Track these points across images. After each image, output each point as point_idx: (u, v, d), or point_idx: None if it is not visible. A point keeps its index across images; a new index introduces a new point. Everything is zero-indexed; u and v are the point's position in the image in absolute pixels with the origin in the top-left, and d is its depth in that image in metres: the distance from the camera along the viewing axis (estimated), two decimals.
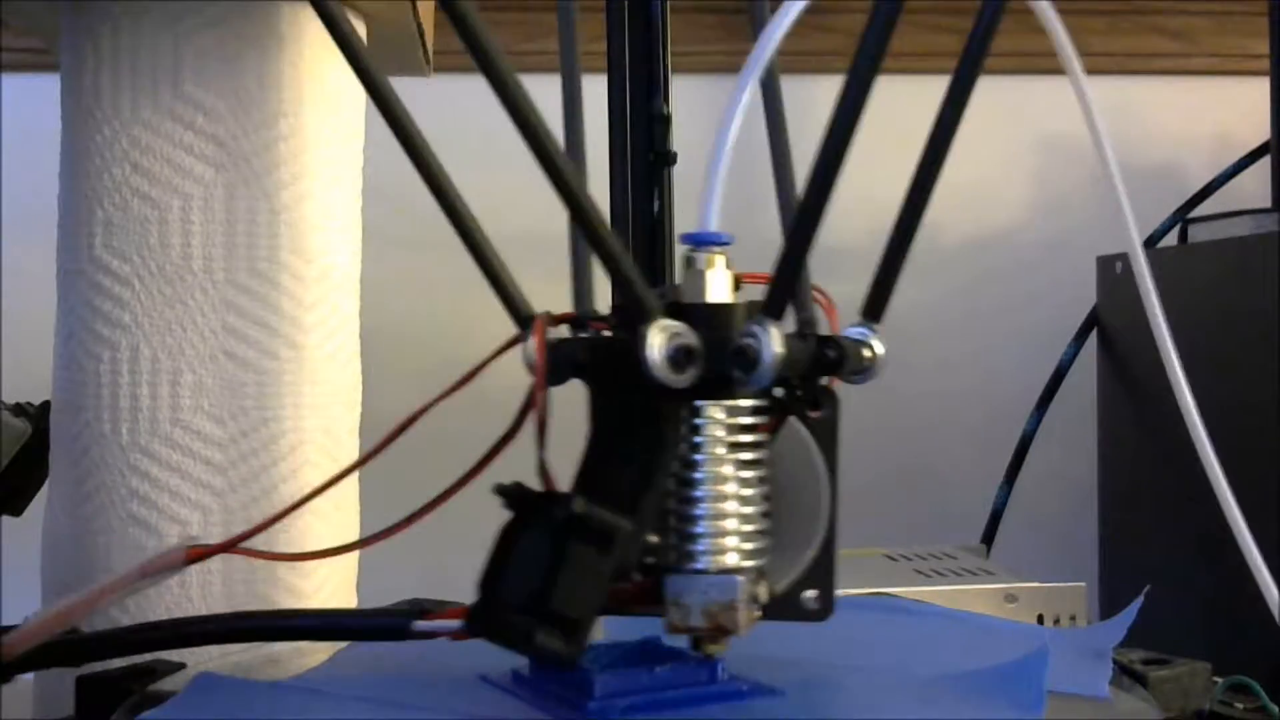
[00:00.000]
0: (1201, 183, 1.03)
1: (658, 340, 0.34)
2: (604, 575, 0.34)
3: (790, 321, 0.38)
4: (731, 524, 0.36)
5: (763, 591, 0.37)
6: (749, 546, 0.37)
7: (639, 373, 0.34)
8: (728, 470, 0.37)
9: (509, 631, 0.34)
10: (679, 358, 0.35)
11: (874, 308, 0.41)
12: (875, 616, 0.50)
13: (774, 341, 0.35)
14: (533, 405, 0.36)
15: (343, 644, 0.47)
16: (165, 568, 0.41)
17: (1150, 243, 1.01)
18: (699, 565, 0.36)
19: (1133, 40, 1.14)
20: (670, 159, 0.57)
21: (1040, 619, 0.73)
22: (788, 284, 0.36)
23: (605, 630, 0.40)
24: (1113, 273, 0.98)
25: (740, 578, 0.36)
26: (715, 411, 0.36)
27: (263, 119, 0.54)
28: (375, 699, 0.39)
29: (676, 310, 0.36)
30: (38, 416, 0.61)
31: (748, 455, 0.37)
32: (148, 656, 0.43)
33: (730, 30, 1.08)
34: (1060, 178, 1.14)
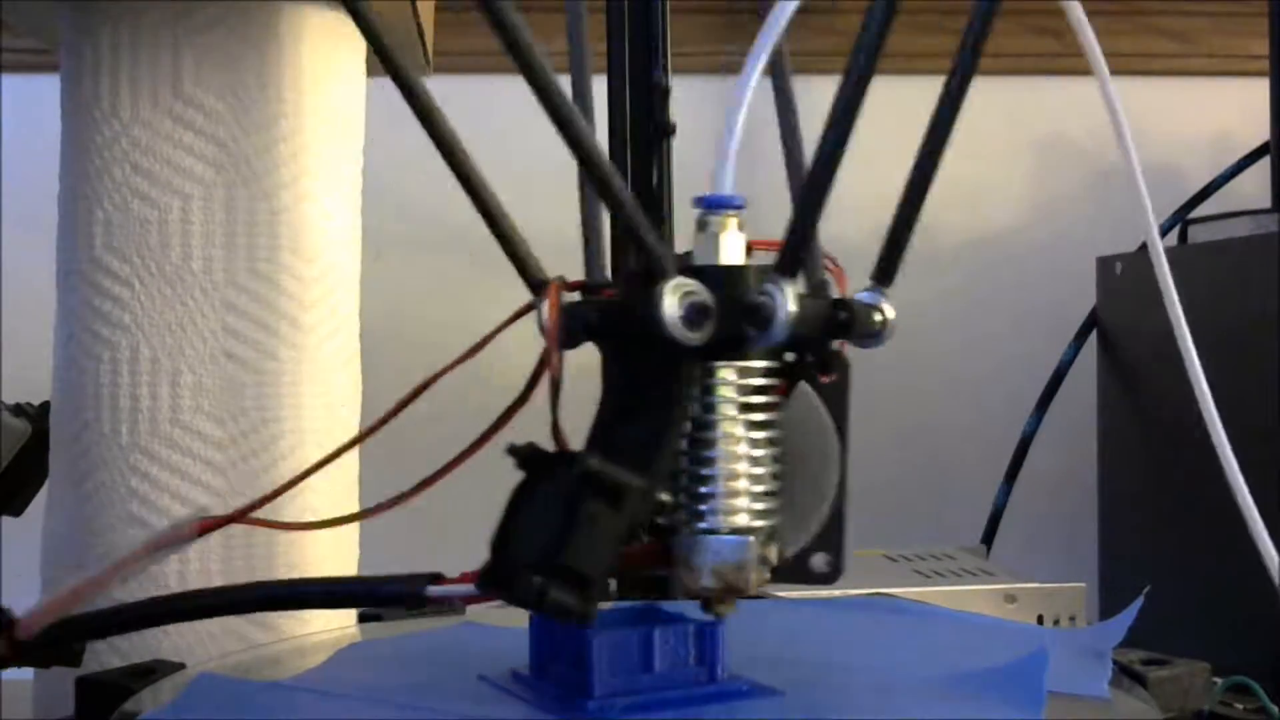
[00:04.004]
0: (1201, 183, 1.03)
1: (672, 298, 0.35)
2: (616, 532, 0.34)
3: (802, 284, 0.38)
4: (743, 485, 0.37)
5: (773, 553, 0.37)
6: (759, 507, 0.37)
7: (652, 332, 0.35)
8: (739, 431, 0.37)
9: (522, 589, 0.34)
10: (693, 315, 0.35)
11: (885, 272, 0.41)
12: (875, 616, 0.50)
13: (788, 299, 0.35)
14: (545, 368, 0.36)
15: (342, 643, 0.47)
16: (175, 541, 0.41)
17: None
18: (710, 525, 0.36)
19: (1133, 40, 1.14)
20: (670, 130, 0.57)
21: (1040, 619, 0.73)
22: (800, 244, 0.36)
23: None
24: (1113, 273, 0.98)
25: (751, 538, 0.36)
26: (728, 373, 0.37)
27: (263, 119, 0.54)
28: (375, 699, 0.39)
29: (690, 271, 0.36)
30: (38, 416, 0.61)
31: (759, 417, 0.37)
32: (148, 643, 0.43)
33: (730, 30, 1.08)
34: (1060, 178, 1.14)
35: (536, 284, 0.39)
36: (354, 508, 0.59)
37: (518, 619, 0.41)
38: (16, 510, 0.63)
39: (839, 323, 0.38)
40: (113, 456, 0.53)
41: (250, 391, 0.54)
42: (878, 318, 0.40)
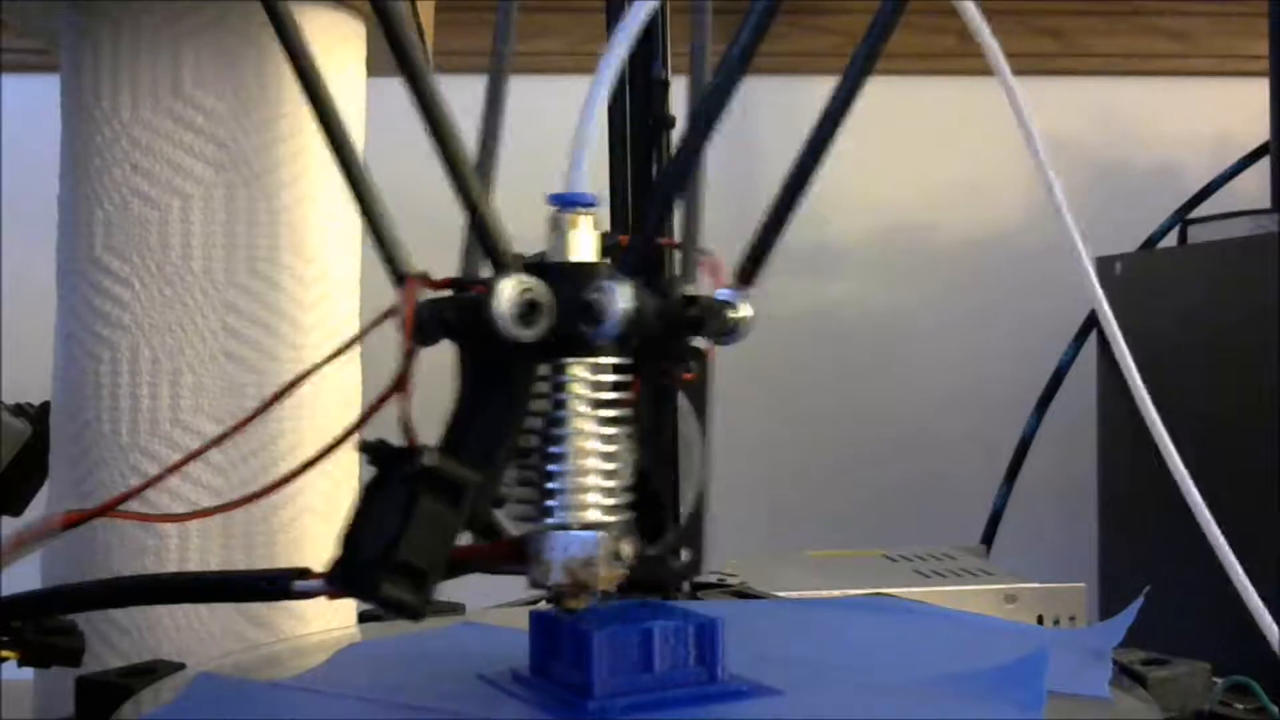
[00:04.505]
0: (1201, 183, 1.03)
1: (507, 294, 0.36)
2: (453, 527, 0.35)
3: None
4: (592, 480, 0.37)
5: (627, 549, 0.37)
6: (610, 503, 0.37)
7: (491, 329, 0.36)
8: (589, 427, 0.37)
9: (360, 584, 0.35)
10: (525, 311, 0.36)
11: (746, 273, 0.42)
12: (875, 616, 0.50)
13: (621, 297, 0.36)
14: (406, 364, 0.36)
15: (342, 643, 0.47)
16: (42, 534, 0.41)
17: (1150, 243, 1.01)
18: (560, 520, 0.37)
19: (1133, 40, 1.14)
20: (669, 123, 0.57)
21: (1040, 619, 0.73)
22: (644, 243, 0.37)
23: None
24: (1112, 273, 0.98)
25: (601, 534, 0.37)
26: (578, 369, 0.37)
27: (263, 119, 0.54)
28: (375, 699, 0.39)
29: (534, 269, 0.37)
30: (38, 416, 0.61)
31: (611, 413, 0.38)
32: (148, 643, 0.43)
33: (730, 30, 1.08)
34: (1060, 178, 1.14)
35: (400, 278, 0.39)
36: None
37: (518, 619, 0.41)
38: (16, 510, 0.63)
39: (687, 319, 0.39)
40: (113, 456, 0.53)
41: (250, 391, 0.54)
42: (732, 315, 0.41)
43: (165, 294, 0.53)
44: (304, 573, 0.38)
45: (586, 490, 0.37)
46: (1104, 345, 1.01)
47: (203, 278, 0.53)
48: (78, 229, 0.54)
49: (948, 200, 1.10)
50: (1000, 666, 0.39)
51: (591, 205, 0.38)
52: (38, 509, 0.58)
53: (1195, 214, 0.99)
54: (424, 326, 0.37)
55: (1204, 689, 0.44)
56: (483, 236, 0.37)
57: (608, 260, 0.38)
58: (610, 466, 0.38)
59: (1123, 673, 0.42)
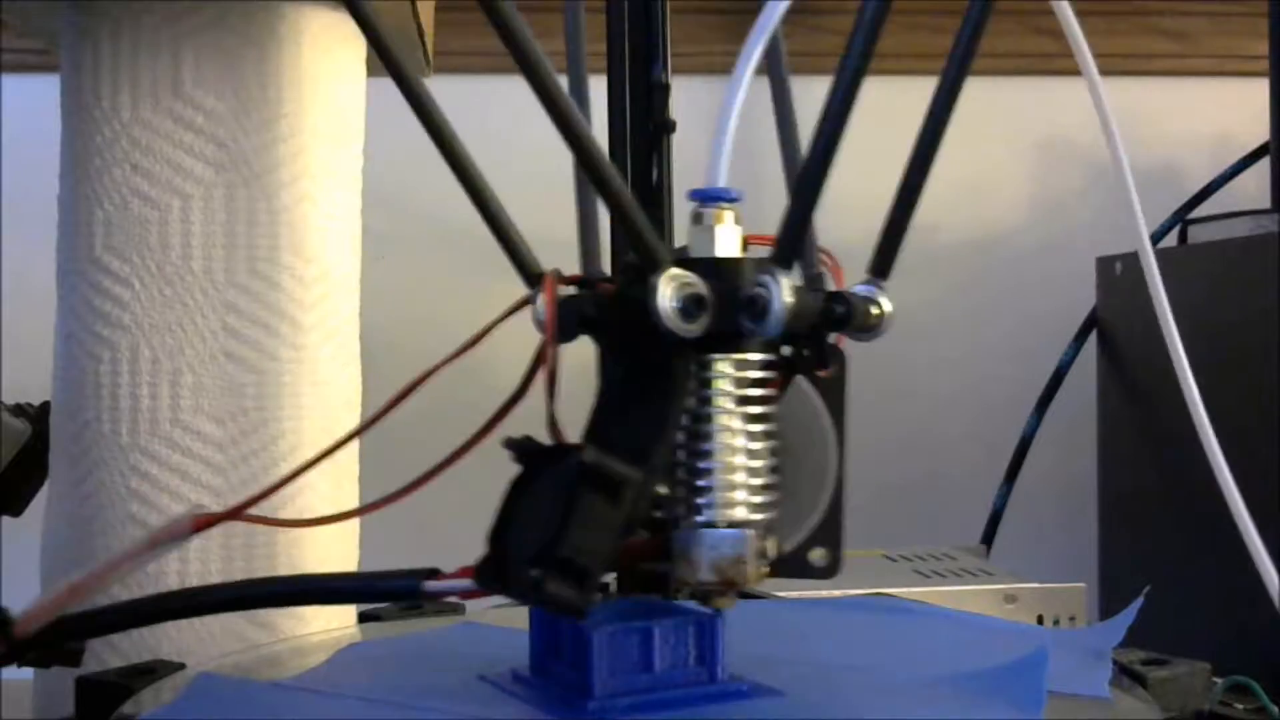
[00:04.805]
0: (1201, 183, 1.03)
1: (668, 289, 0.35)
2: (614, 525, 0.34)
3: (799, 277, 0.38)
4: (740, 478, 0.37)
5: (771, 547, 0.37)
6: (757, 500, 0.37)
7: (649, 324, 0.35)
8: (737, 425, 0.37)
9: (519, 583, 0.34)
10: (689, 307, 0.35)
11: (881, 265, 0.41)
12: (875, 616, 0.50)
13: (784, 291, 0.35)
14: (542, 361, 0.36)
15: (342, 643, 0.47)
16: (171, 537, 0.41)
17: (1150, 243, 1.01)
18: (708, 519, 0.36)
19: (1132, 40, 1.14)
20: (669, 127, 0.57)
21: (1040, 619, 0.73)
22: (796, 237, 0.37)
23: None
24: (1112, 273, 0.98)
25: (749, 532, 0.36)
26: (724, 366, 0.37)
27: (263, 119, 0.54)
28: (375, 699, 0.39)
29: (686, 264, 0.36)
30: (38, 416, 0.61)
31: (756, 410, 0.37)
32: (148, 643, 0.43)
33: (730, 30, 1.08)
34: (1060, 178, 1.14)
35: (533, 277, 0.39)
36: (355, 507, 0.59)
37: (518, 619, 0.41)
38: (16, 510, 0.63)
39: (835, 316, 0.39)
40: (113, 456, 0.53)
41: (250, 391, 0.54)
42: (875, 311, 0.40)
43: (165, 294, 0.53)
44: (434, 572, 0.37)
45: (735, 488, 0.36)
46: (1104, 345, 1.01)
47: (203, 278, 0.53)
48: (78, 229, 0.54)
49: (948, 200, 1.10)
50: (1000, 666, 0.39)
51: (736, 200, 0.37)
52: (38, 509, 0.58)
53: (1195, 214, 0.99)
54: (565, 323, 0.37)
55: (1204, 689, 0.44)
56: (633, 233, 0.36)
57: (759, 257, 0.37)
58: (756, 464, 0.37)
59: (1123, 673, 0.42)
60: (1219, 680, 0.45)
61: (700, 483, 0.36)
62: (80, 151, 0.54)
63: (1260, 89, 0.94)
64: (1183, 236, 0.98)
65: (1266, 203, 0.91)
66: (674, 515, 0.37)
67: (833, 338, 0.39)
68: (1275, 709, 0.45)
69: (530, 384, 0.37)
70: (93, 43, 0.54)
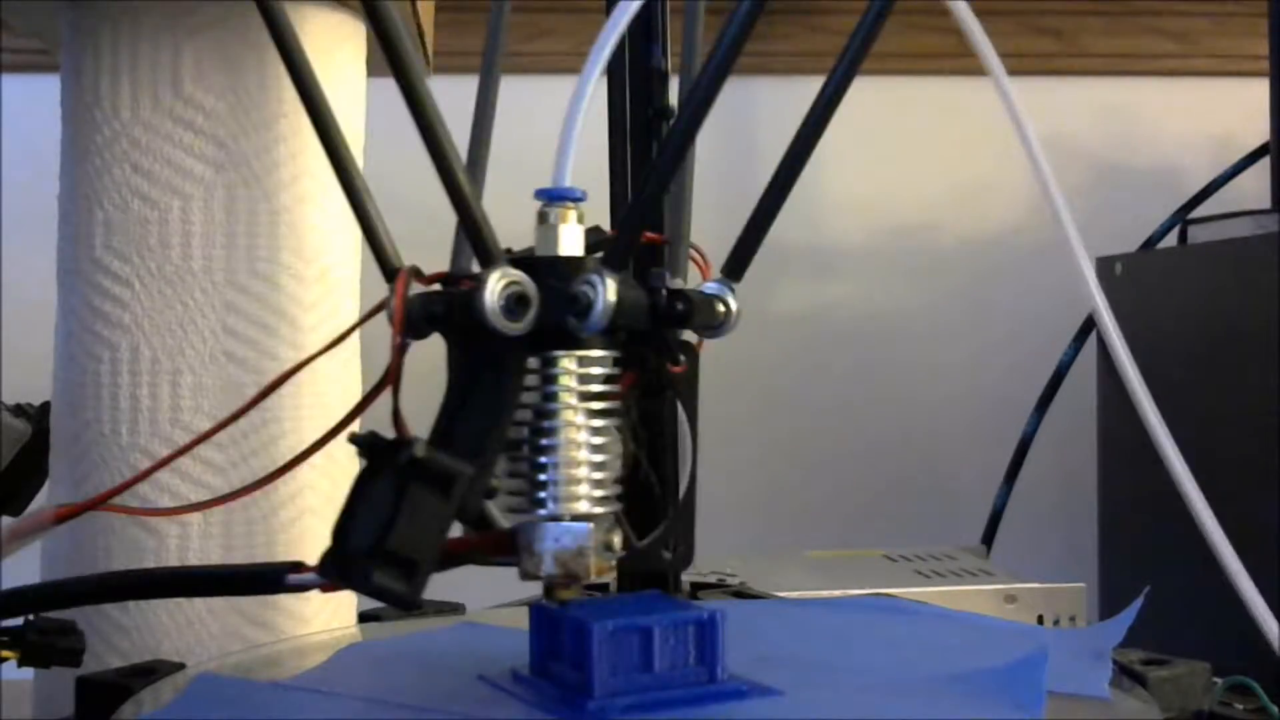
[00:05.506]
0: (1201, 183, 1.03)
1: (494, 287, 0.36)
2: (444, 518, 0.35)
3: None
4: (583, 472, 0.38)
5: (617, 540, 0.38)
6: (600, 494, 0.38)
7: (479, 322, 0.36)
8: (579, 419, 0.38)
9: (353, 575, 0.35)
10: (511, 305, 0.36)
11: (734, 266, 0.42)
12: (875, 616, 0.50)
13: (608, 290, 0.36)
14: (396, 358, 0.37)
15: (342, 643, 0.47)
16: (34, 528, 0.42)
17: (1150, 243, 1.01)
18: (551, 512, 0.37)
19: (1133, 40, 1.14)
20: (668, 114, 0.58)
21: (1040, 619, 0.73)
22: (630, 239, 0.38)
23: None
24: (1112, 273, 0.98)
25: (591, 525, 0.37)
26: (567, 362, 0.38)
27: (263, 119, 0.54)
28: (375, 699, 0.39)
29: (525, 263, 0.37)
30: (38, 416, 0.61)
31: (601, 405, 0.38)
32: (148, 643, 0.43)
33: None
34: (1060, 178, 1.14)
35: (391, 273, 0.40)
36: None
37: (518, 619, 0.41)
38: (16, 510, 0.63)
39: (675, 314, 0.40)
40: (113, 456, 0.53)
41: (250, 391, 0.53)
42: (720, 309, 0.41)
43: (165, 294, 0.53)
44: (297, 566, 0.38)
45: (577, 482, 0.38)
46: (1104, 345, 1.01)
47: (203, 278, 0.53)
48: (78, 229, 0.54)
49: (947, 201, 1.10)
50: (1000, 666, 0.39)
51: (578, 199, 0.38)
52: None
53: (1195, 214, 0.99)
54: (413, 320, 0.38)
55: (1204, 689, 0.44)
56: (470, 233, 0.37)
57: (596, 255, 0.38)
58: (600, 458, 0.38)
59: (1123, 673, 0.42)
60: (1219, 680, 0.45)
61: (542, 476, 0.38)
62: (80, 151, 0.54)
63: (1260, 89, 0.94)
64: (1183, 237, 0.98)
65: (1266, 203, 0.91)
66: (519, 509, 0.38)
67: (688, 335, 0.41)
68: (1275, 709, 0.45)
69: (392, 379, 0.37)
70: (93, 43, 0.54)
